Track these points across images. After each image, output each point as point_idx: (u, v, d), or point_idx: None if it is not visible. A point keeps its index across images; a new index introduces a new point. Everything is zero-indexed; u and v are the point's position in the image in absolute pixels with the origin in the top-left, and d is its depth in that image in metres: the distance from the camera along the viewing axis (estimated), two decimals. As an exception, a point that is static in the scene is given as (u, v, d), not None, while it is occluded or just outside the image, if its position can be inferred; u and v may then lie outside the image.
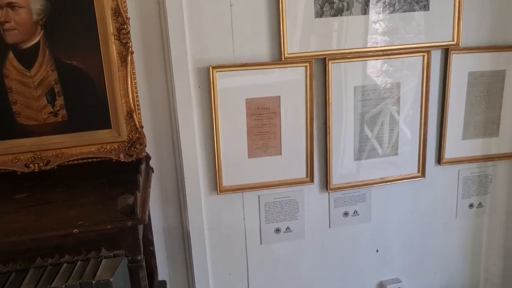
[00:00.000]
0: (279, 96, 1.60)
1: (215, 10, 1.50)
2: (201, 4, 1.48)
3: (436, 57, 1.73)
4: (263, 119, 1.61)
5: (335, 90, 1.65)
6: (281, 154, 1.65)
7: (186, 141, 1.54)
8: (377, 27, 1.63)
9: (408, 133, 1.76)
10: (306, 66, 1.59)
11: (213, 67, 1.51)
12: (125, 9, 1.36)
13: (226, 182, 1.63)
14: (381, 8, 1.61)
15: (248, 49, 1.55)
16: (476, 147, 1.85)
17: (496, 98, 1.81)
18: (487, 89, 1.79)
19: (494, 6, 1.72)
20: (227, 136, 1.58)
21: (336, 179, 1.73)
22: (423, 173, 1.81)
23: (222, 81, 1.53)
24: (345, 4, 1.58)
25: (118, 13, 1.34)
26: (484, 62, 1.76)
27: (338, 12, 1.58)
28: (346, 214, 1.80)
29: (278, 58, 1.57)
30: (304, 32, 1.57)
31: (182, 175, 1.58)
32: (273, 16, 1.53)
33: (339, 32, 1.60)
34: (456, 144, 1.82)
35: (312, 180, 1.70)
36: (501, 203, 1.95)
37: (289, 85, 1.60)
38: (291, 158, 1.67)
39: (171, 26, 1.45)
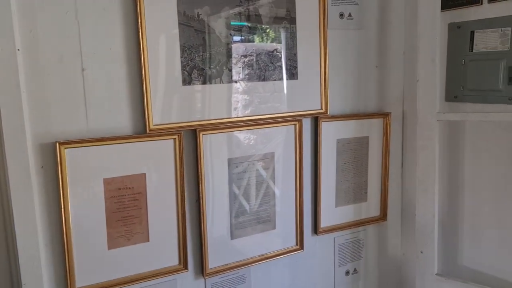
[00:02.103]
0: (145, 174, 1.38)
1: (63, 74, 1.24)
2: (45, 67, 1.22)
3: (307, 126, 1.70)
4: (125, 201, 1.36)
5: (207, 164, 1.49)
6: (148, 241, 1.41)
7: (25, 238, 1.20)
8: (249, 95, 1.54)
9: (285, 205, 1.67)
10: (174, 139, 1.41)
11: (61, 143, 1.23)
12: None
13: (80, 282, 1.32)
14: (250, 77, 1.53)
15: (106, 121, 1.31)
16: (348, 213, 1.84)
17: (363, 164, 1.84)
18: (354, 155, 1.82)
19: (355, 77, 1.78)
20: (80, 227, 1.29)
21: (212, 262, 1.54)
22: (301, 245, 1.72)
23: (73, 159, 1.26)
24: (214, 71, 1.46)
25: None
26: (349, 129, 1.79)
27: (208, 80, 1.45)
28: (224, 299, 1.61)
29: (142, 131, 1.36)
30: (171, 101, 1.40)
31: (19, 282, 1.22)
32: (134, 83, 1.34)
33: (210, 101, 1.47)
34: (330, 212, 1.79)
35: (185, 267, 1.48)
36: (373, 266, 1.97)
37: (155, 161, 1.39)
38: (161, 244, 1.43)
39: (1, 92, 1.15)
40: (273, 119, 1.59)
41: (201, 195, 1.48)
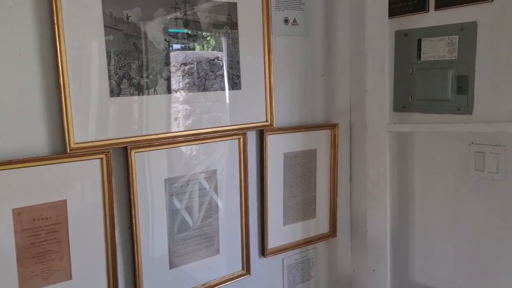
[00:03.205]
0: (65, 200, 1.18)
1: (-41, 85, 1.03)
2: None
3: (252, 139, 1.57)
4: (41, 234, 1.15)
5: (141, 185, 1.31)
6: (71, 279, 1.21)
7: None
8: (187, 108, 1.38)
9: (230, 227, 1.53)
10: (101, 159, 1.23)
11: (-44, 169, 1.02)
12: None
13: (-16, 334, 1.09)
14: (190, 87, 1.38)
15: (16, 140, 1.10)
16: (297, 231, 1.73)
17: (311, 179, 1.74)
18: (302, 169, 1.71)
19: (301, 86, 1.68)
20: (-16, 268, 1.07)
21: (149, 296, 1.36)
22: (247, 269, 1.58)
23: (-27, 187, 1.04)
24: (147, 81, 1.30)
25: None
26: (297, 142, 1.68)
27: (140, 91, 1.28)
28: (163, 336, 1.43)
29: (62, 150, 1.16)
30: (97, 115, 1.21)
31: None
32: (51, 95, 1.14)
33: (143, 114, 1.30)
34: (278, 231, 1.67)
35: (117, 305, 1.29)
36: (323, 285, 1.86)
37: (78, 185, 1.20)
38: (86, 282, 1.24)
39: None
40: (215, 133, 1.45)
41: (134, 221, 1.30)
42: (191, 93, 1.38)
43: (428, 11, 1.55)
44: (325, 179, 1.78)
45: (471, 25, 1.44)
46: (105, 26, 1.21)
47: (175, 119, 1.36)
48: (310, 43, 1.69)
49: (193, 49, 1.39)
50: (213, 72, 1.43)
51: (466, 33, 1.46)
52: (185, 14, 1.36)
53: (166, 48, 1.33)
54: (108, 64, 1.22)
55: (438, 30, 1.53)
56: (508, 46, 1.36)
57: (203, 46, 1.41)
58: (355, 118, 1.82)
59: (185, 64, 1.37)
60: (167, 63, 1.32)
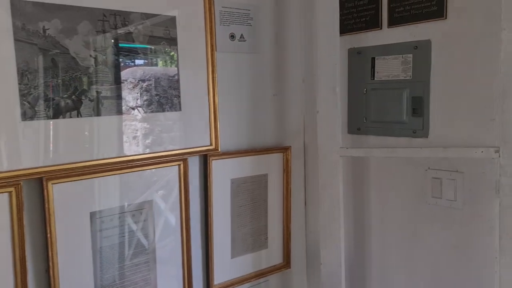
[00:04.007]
0: (-37, 243, 1.01)
1: None
2: None
3: (194, 166, 1.43)
4: None
5: (61, 221, 1.14)
6: (-30, 335, 1.03)
7: None
8: (116, 131, 1.23)
9: (168, 264, 1.37)
10: (10, 192, 1.06)
11: None
12: None
13: None
14: (119, 107, 1.23)
15: None
16: (247, 264, 1.59)
17: (261, 206, 1.61)
18: (251, 197, 1.58)
19: (250, 107, 1.56)
20: None
21: None
22: (190, 309, 1.43)
23: None
24: (69, 102, 1.14)
25: None
26: (245, 167, 1.55)
27: (59, 113, 1.13)
28: None
29: (-42, 184, 0.99)
30: (6, 141, 1.05)
31: None
32: None
33: (63, 140, 1.14)
34: (226, 265, 1.52)
35: None
36: (277, 321, 1.72)
37: (-20, 224, 1.03)
38: (-9, 337, 1.06)
39: None
40: (151, 159, 1.30)
41: (51, 263, 1.13)
42: (121, 116, 1.23)
43: (381, 28, 1.47)
44: (278, 206, 1.65)
45: (425, 43, 1.36)
46: (15, 40, 1.06)
47: (102, 145, 1.20)
48: (260, 61, 1.58)
49: (125, 65, 1.25)
50: (148, 92, 1.29)
51: (420, 52, 1.38)
52: (115, 28, 1.22)
53: (93, 65, 1.18)
54: (20, 83, 1.07)
55: (392, 48, 1.45)
56: (462, 66, 1.28)
57: (135, 62, 1.27)
58: (309, 140, 1.71)
59: (113, 83, 1.23)
60: (91, 82, 1.18)
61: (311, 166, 1.71)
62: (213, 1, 1.41)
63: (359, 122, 1.55)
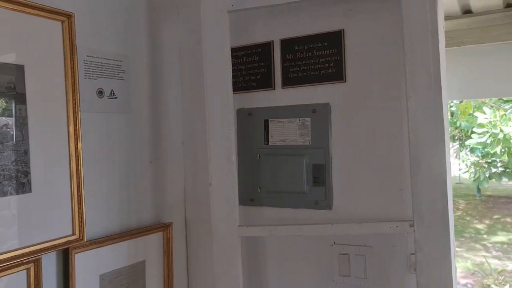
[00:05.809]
0: None
1: None
2: None
3: (51, 265, 1.05)
4: None
5: None
6: None
7: None
8: None
9: None
10: None
11: None
12: None
13: None
14: None
15: None
16: None
17: (139, 303, 1.28)
18: (126, 293, 1.24)
19: (123, 179, 1.25)
20: None
21: None
22: None
23: None
24: None
25: None
26: (118, 256, 1.22)
27: None
28: None
29: None
30: None
31: None
32: None
33: None
34: None
35: None
36: None
37: None
38: None
39: None
40: (-15, 268, 0.89)
41: None
42: None
43: (274, 88, 1.33)
44: (158, 299, 1.34)
45: (323, 107, 1.26)
46: None
47: None
48: (134, 122, 1.30)
49: None
50: (-19, 170, 0.90)
51: (319, 116, 1.27)
52: None
53: None
54: None
55: (287, 111, 1.31)
56: (363, 131, 1.20)
57: (-38, 130, 0.88)
58: (191, 214, 1.46)
59: None
60: None
61: (195, 244, 1.45)
62: (76, 48, 1.10)
63: (252, 192, 1.36)
